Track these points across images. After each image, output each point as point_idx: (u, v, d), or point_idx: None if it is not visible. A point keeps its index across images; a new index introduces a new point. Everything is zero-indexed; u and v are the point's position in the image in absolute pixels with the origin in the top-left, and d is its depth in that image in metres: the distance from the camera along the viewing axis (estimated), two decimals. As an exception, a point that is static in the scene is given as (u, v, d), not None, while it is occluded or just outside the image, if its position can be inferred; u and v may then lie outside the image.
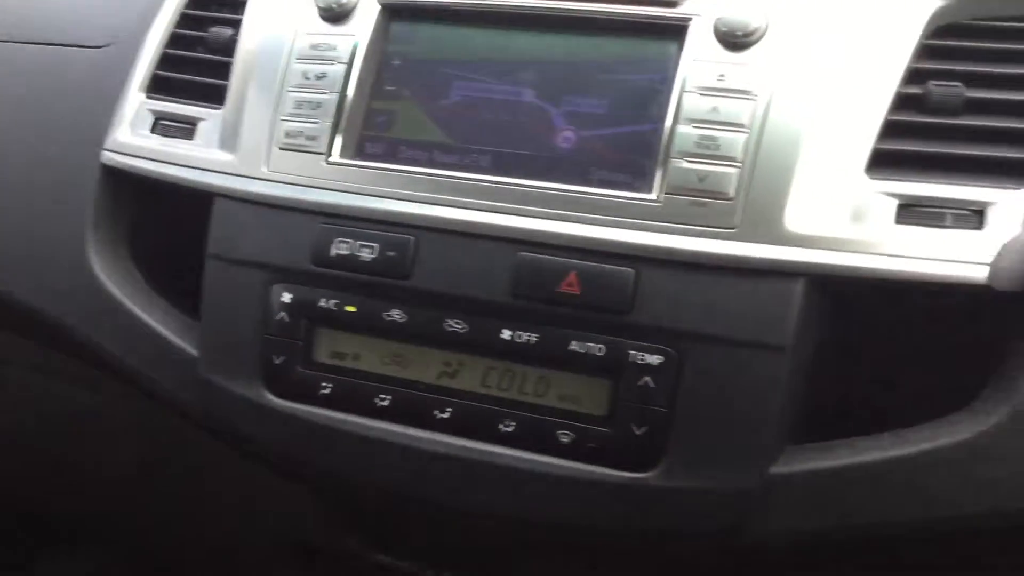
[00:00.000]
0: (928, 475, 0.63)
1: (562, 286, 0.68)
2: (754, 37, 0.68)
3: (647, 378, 0.66)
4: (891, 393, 0.70)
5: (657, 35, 0.70)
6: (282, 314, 0.74)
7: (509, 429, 0.69)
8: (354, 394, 0.73)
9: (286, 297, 0.74)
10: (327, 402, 0.74)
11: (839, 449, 0.66)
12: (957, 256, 0.62)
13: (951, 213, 0.64)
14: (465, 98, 0.74)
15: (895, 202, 0.65)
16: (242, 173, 0.77)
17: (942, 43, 0.68)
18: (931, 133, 0.66)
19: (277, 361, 0.74)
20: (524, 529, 0.74)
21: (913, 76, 0.68)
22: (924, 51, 0.68)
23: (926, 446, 0.63)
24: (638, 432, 0.67)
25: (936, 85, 0.67)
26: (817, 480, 0.65)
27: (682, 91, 0.68)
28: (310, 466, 0.77)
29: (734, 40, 0.68)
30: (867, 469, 0.64)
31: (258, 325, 0.75)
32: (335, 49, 0.76)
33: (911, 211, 0.65)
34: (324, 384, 0.74)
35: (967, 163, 0.65)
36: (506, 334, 0.69)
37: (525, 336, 0.69)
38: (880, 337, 0.70)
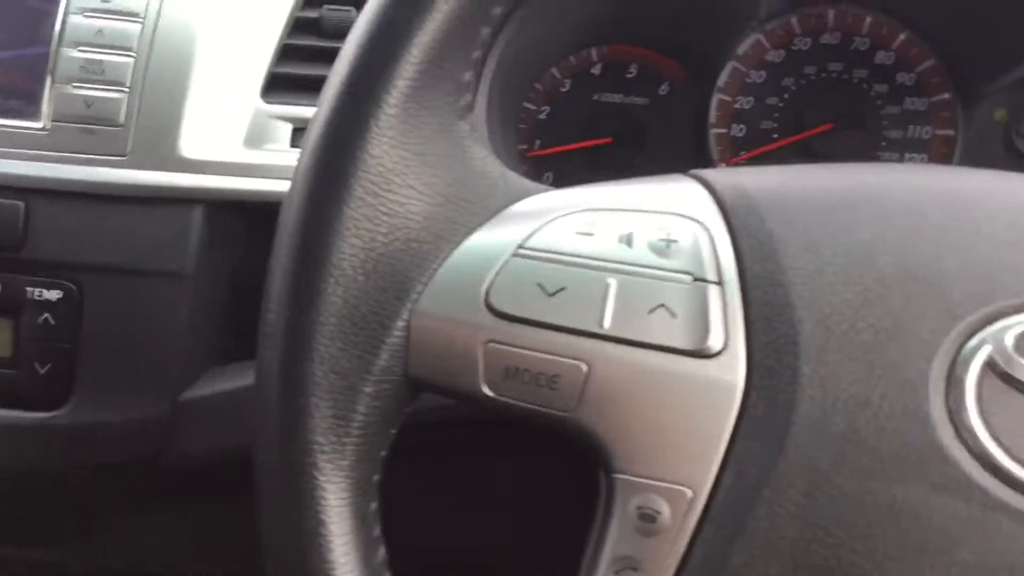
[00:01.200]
0: None
1: (-56, 223, 0.63)
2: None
3: (47, 315, 0.64)
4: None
5: (45, -48, 0.66)
6: None
7: (-97, 380, 0.65)
8: None
9: None
10: None
11: (248, 370, 0.67)
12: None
13: None
14: None
15: (290, 126, 0.66)
16: None
17: None
18: (325, 57, 0.68)
19: None
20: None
21: (309, 0, 0.69)
22: (321, -25, 0.69)
23: None
24: (42, 371, 0.64)
25: (329, 9, 0.68)
26: (223, 402, 0.66)
27: (67, 12, 0.65)
28: None
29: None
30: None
31: None
32: None
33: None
34: None
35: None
36: None
37: (-88, 279, 0.64)
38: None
